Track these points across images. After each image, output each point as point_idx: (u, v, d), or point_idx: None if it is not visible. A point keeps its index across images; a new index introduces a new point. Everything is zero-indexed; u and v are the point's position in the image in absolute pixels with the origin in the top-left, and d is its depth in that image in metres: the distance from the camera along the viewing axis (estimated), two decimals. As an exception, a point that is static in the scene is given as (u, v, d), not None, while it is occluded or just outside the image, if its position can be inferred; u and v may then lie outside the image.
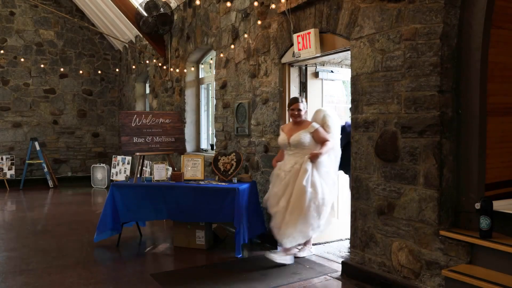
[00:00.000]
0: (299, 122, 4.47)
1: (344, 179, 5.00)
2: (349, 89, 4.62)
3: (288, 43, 4.80)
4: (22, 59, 10.18)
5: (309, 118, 4.65)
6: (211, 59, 7.28)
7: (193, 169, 5.22)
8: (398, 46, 3.48)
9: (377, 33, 3.66)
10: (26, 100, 10.44)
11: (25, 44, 10.37)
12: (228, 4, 5.72)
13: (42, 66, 10.38)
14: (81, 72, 10.74)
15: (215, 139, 6.57)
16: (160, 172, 5.27)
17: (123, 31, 9.89)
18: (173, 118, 5.77)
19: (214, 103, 6.61)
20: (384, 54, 3.60)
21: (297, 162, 4.31)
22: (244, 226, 4.64)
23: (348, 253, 4.42)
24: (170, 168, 5.83)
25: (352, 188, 4.01)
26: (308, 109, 4.65)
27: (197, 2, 5.95)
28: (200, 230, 4.92)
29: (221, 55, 6.17)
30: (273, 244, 4.78)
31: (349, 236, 4.14)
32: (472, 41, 3.16)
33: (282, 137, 4.51)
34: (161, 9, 7.38)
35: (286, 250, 4.35)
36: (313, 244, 4.74)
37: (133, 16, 7.93)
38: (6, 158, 9.87)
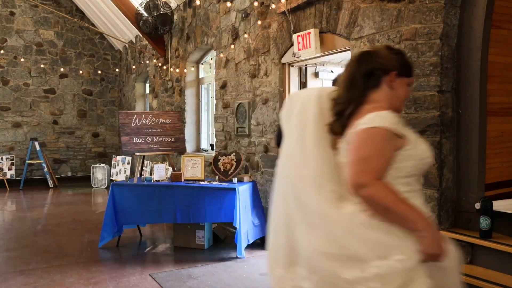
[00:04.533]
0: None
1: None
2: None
3: (288, 43, 4.80)
4: (22, 59, 10.18)
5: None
6: (211, 59, 7.27)
7: (193, 169, 5.22)
8: (398, 46, 3.47)
9: (377, 33, 3.66)
10: (26, 100, 10.44)
11: (25, 44, 10.36)
12: (228, 4, 5.72)
13: (42, 66, 10.38)
14: (81, 72, 10.74)
15: (215, 139, 6.57)
16: (160, 172, 5.27)
17: (123, 31, 9.89)
18: (173, 118, 5.77)
19: (214, 103, 6.61)
20: (384, 54, 3.60)
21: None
22: (249, 225, 4.67)
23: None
24: (170, 168, 5.83)
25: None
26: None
27: (197, 2, 5.96)
28: (200, 230, 4.92)
29: (221, 55, 6.17)
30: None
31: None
32: (472, 41, 3.16)
33: (426, 148, 1.74)
34: (161, 9, 7.38)
35: None
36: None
37: (133, 16, 7.93)
38: (6, 158, 9.87)
